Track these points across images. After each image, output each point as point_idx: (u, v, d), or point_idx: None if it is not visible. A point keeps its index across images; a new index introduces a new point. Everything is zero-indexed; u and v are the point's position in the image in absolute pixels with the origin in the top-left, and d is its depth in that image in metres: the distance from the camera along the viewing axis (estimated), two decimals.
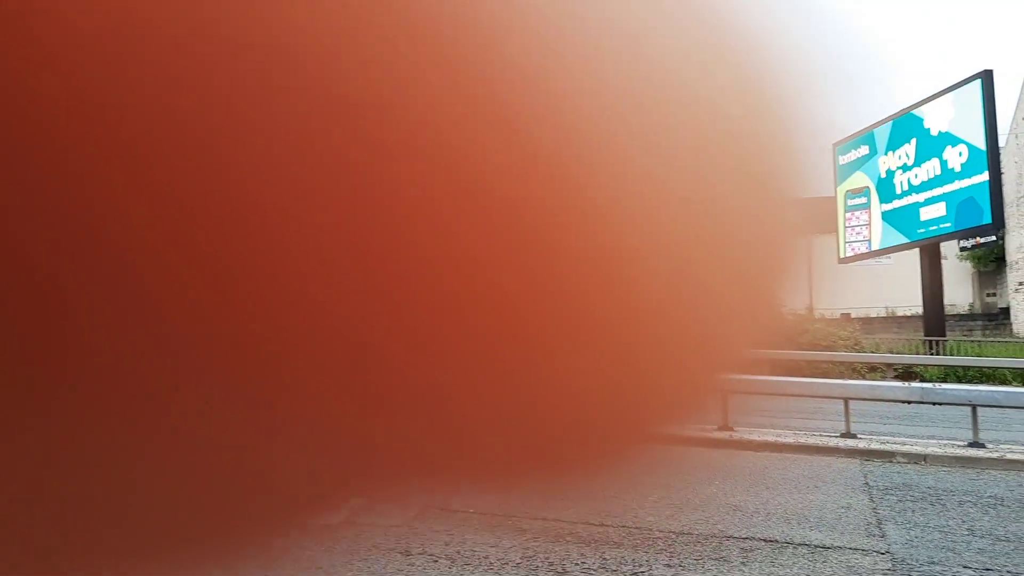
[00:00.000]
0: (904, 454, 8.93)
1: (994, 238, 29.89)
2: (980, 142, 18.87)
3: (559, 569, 4.82)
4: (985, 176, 18.76)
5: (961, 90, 19.38)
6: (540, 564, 4.89)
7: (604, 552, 5.16)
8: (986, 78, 18.74)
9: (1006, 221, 27.86)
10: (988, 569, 5.21)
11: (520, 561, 4.94)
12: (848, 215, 23.22)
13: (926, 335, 20.55)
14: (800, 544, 5.53)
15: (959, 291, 35.60)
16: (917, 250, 21.36)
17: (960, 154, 19.39)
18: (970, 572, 5.14)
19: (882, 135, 22.22)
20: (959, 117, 19.44)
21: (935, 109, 20.25)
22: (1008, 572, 5.17)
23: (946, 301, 24.07)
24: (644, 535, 5.56)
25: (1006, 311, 32.21)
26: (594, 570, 4.82)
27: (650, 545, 5.34)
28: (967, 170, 19.19)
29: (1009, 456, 8.92)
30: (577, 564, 4.92)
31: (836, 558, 5.33)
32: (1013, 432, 10.09)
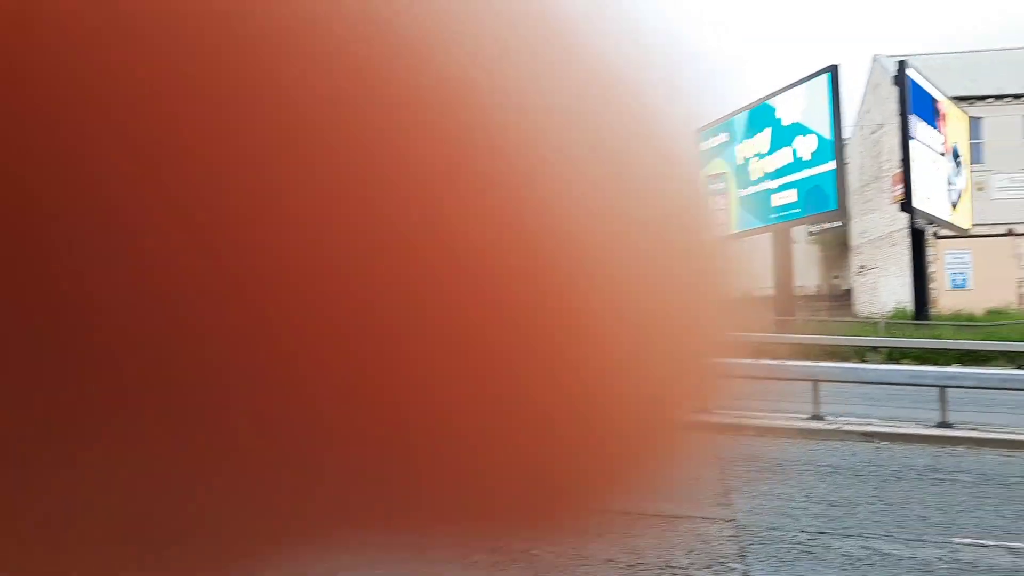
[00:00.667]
0: (753, 427, 9.42)
1: (839, 223, 31.84)
2: (828, 133, 20.01)
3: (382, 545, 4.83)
4: (832, 165, 19.92)
5: (811, 83, 20.46)
6: None
7: None
8: (833, 72, 19.86)
9: (850, 208, 29.71)
10: (821, 532, 5.58)
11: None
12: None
13: (777, 315, 21.70)
14: (653, 515, 5.76)
15: (808, 274, 37.78)
16: (770, 234, 22.49)
17: (809, 144, 20.50)
18: (805, 535, 5.49)
19: (739, 123, 23.21)
20: (809, 108, 20.53)
21: (787, 100, 21.31)
22: (838, 533, 5.55)
23: (796, 283, 25.50)
24: None
25: (849, 292, 34.43)
26: (405, 559, 4.85)
27: None
28: (816, 159, 20.32)
29: (845, 428, 9.58)
30: None
31: (686, 527, 5.58)
32: (850, 405, 10.81)
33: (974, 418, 10.29)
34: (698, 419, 0.30)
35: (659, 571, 4.80)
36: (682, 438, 0.28)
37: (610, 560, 4.89)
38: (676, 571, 4.82)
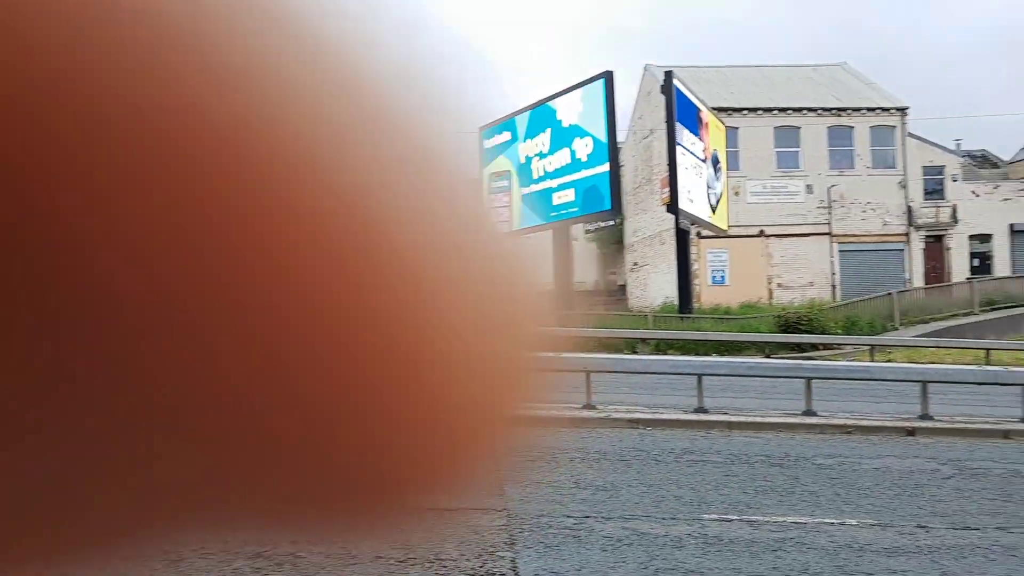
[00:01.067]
0: (529, 418, 9.71)
1: (613, 223, 33.60)
2: (603, 136, 21.03)
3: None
4: (607, 167, 20.96)
5: (588, 87, 21.42)
6: None
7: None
8: (608, 78, 20.90)
9: (624, 208, 31.46)
10: (587, 516, 5.84)
11: None
12: (492, 197, 24.69)
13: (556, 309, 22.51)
14: (427, 509, 5.78)
15: (587, 270, 39.62)
16: (551, 231, 23.33)
17: (586, 145, 21.46)
18: (571, 520, 5.73)
19: (522, 122, 23.88)
20: (586, 112, 21.49)
21: (566, 103, 22.18)
22: (602, 517, 5.84)
23: (575, 279, 26.64)
24: None
25: (624, 288, 36.46)
26: (158, 570, 4.61)
27: None
28: (592, 160, 21.30)
29: (614, 415, 10.11)
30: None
31: (459, 519, 5.64)
32: (620, 394, 11.42)
33: (727, 403, 11.21)
34: (485, 412, 0.28)
35: (429, 564, 4.82)
36: (473, 432, 0.26)
37: (380, 557, 4.85)
38: (446, 563, 4.86)
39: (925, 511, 6.41)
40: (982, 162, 50.91)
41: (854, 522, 6.04)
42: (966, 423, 10.73)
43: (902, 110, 33.12)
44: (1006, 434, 10.30)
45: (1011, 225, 33.63)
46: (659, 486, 6.86)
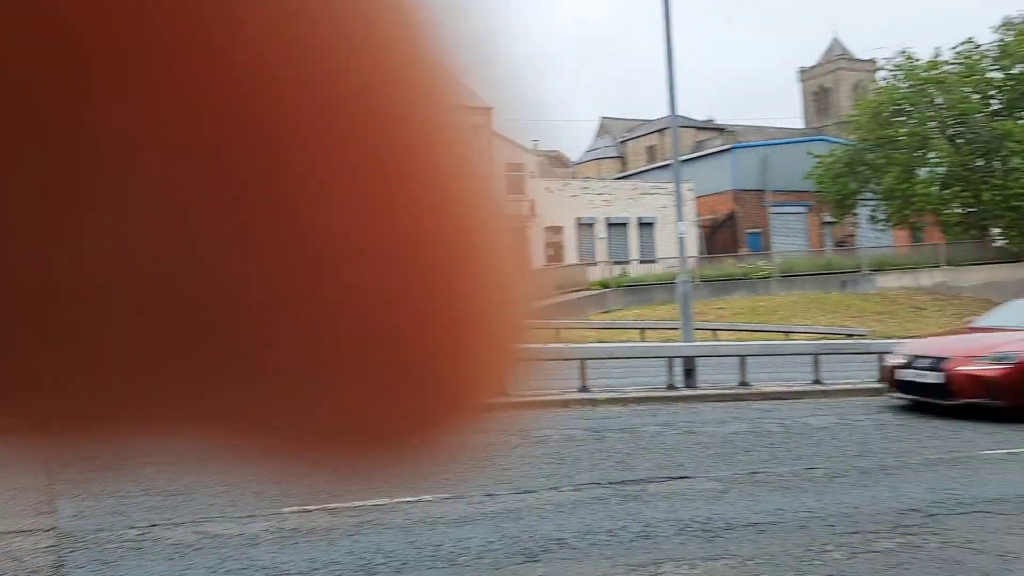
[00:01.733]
0: None
1: None
2: None
3: None
4: None
5: None
6: None
7: None
8: None
9: None
10: (153, 525, 5.38)
11: None
12: None
13: None
14: None
15: None
16: None
17: None
18: (134, 531, 5.23)
19: None
20: None
21: None
22: (171, 523, 5.42)
23: None
24: None
25: None
26: None
27: None
28: None
29: None
30: None
31: None
32: None
33: None
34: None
35: None
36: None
37: None
38: None
39: (493, 480, 6.92)
40: (556, 161, 57.28)
41: (430, 498, 6.31)
42: (535, 396, 11.90)
43: (487, 109, 35.88)
44: (566, 403, 11.62)
45: (578, 218, 38.21)
46: (239, 484, 6.56)
